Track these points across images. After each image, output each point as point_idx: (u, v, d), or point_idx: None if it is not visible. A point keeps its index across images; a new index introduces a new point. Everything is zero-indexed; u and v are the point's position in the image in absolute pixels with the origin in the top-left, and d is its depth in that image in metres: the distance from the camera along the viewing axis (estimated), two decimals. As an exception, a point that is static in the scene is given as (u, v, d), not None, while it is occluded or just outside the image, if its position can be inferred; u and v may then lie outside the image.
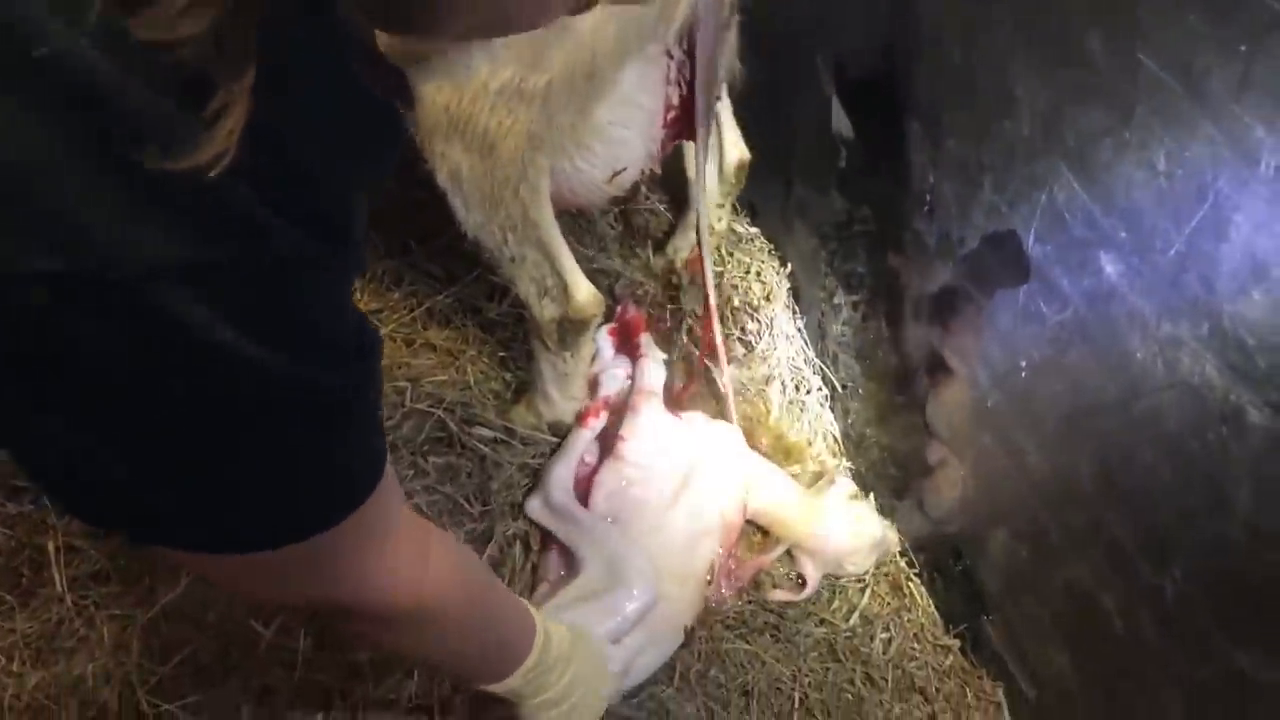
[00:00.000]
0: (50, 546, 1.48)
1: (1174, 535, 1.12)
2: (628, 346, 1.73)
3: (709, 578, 1.53)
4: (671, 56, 1.37)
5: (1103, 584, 1.25)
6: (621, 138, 1.40)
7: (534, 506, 1.56)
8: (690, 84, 1.40)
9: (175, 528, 0.70)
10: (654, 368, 1.66)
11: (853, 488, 1.68)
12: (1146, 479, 1.14)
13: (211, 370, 0.58)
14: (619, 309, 1.78)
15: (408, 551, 0.90)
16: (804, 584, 1.61)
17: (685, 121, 1.48)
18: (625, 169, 1.42)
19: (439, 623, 1.00)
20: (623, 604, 1.38)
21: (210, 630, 1.46)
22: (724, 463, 1.59)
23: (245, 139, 0.49)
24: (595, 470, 1.58)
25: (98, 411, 0.60)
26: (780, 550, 1.61)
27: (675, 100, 1.45)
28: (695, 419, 1.65)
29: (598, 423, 1.64)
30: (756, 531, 1.65)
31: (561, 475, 1.57)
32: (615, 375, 1.69)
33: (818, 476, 1.69)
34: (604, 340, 1.73)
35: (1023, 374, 1.29)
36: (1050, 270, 1.21)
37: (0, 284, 0.50)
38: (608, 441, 1.61)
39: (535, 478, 1.62)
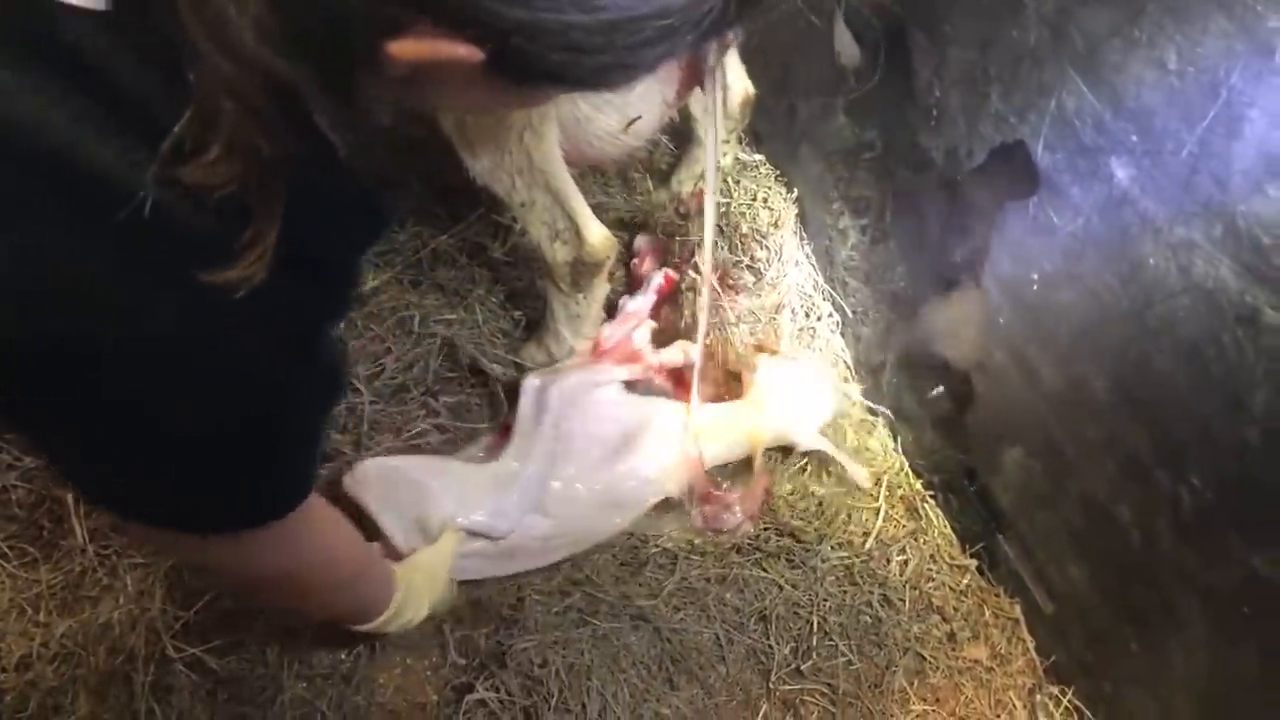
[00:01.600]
0: (69, 499, 1.49)
1: (1191, 442, 1.11)
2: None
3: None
4: None
5: (1118, 496, 1.24)
6: None
7: (532, 384, 1.56)
8: None
9: (181, 511, 0.82)
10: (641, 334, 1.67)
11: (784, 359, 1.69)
12: (1162, 388, 1.13)
13: (221, 393, 0.72)
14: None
15: (325, 530, 1.03)
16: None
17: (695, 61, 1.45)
18: (640, 116, 1.39)
19: (344, 586, 1.15)
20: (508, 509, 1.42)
21: (231, 574, 1.48)
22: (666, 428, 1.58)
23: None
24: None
25: (134, 420, 0.71)
26: (759, 461, 1.63)
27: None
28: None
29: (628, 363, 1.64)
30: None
31: (574, 383, 1.56)
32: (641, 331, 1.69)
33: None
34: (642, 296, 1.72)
35: (1034, 287, 1.28)
36: (1060, 179, 1.19)
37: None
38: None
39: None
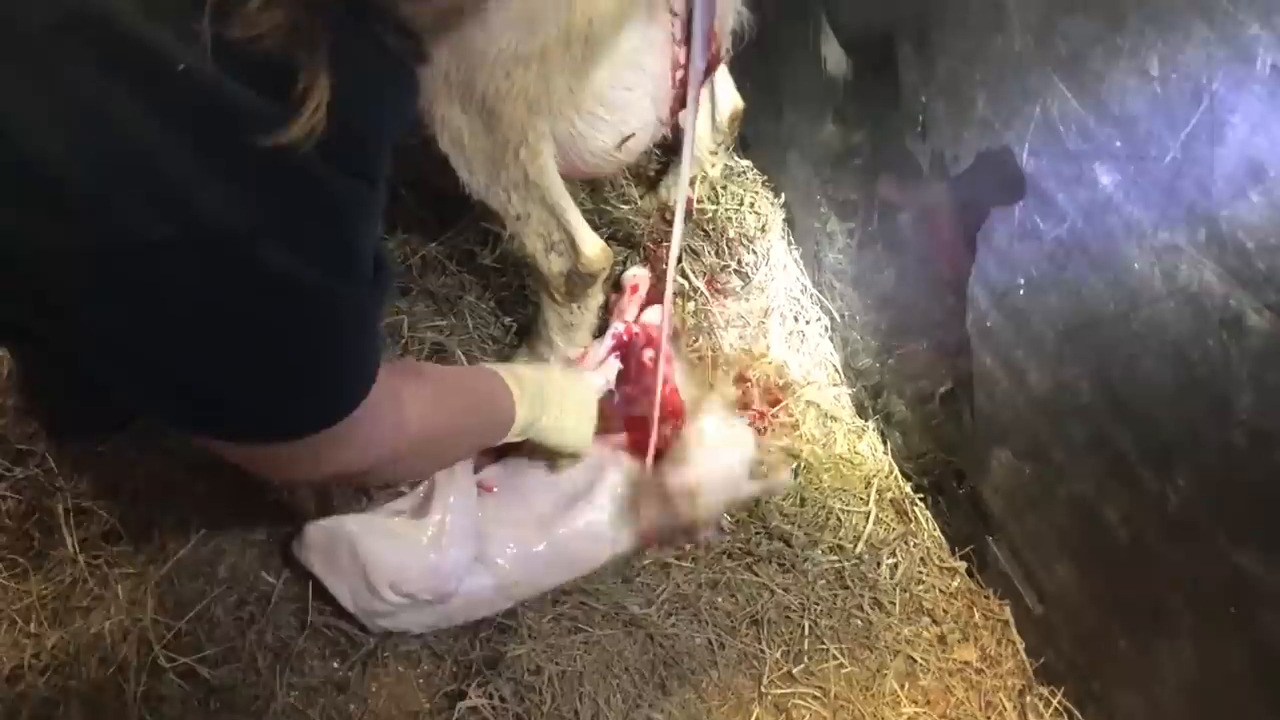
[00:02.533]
0: (59, 508, 1.49)
1: (1177, 443, 1.12)
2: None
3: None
4: (676, 15, 1.34)
5: (1106, 496, 1.25)
6: (626, 101, 1.37)
7: None
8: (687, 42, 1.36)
9: (248, 422, 0.86)
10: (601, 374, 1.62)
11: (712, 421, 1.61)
12: (1148, 390, 1.14)
13: (282, 295, 0.73)
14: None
15: (401, 398, 1.06)
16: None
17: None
18: (634, 134, 1.40)
19: (438, 442, 1.22)
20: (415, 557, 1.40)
21: (223, 584, 1.48)
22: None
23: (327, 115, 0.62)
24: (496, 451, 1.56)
25: (184, 335, 0.74)
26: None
27: (684, 60, 1.41)
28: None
29: None
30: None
31: None
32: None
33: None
34: (599, 344, 1.66)
35: (1021, 291, 1.29)
36: (1045, 184, 1.20)
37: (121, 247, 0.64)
38: None
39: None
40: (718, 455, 1.51)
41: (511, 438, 1.37)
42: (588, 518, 1.49)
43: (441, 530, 1.39)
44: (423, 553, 1.38)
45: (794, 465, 1.64)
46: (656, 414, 1.52)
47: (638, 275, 1.73)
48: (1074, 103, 1.11)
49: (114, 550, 1.49)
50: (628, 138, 1.39)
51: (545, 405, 1.39)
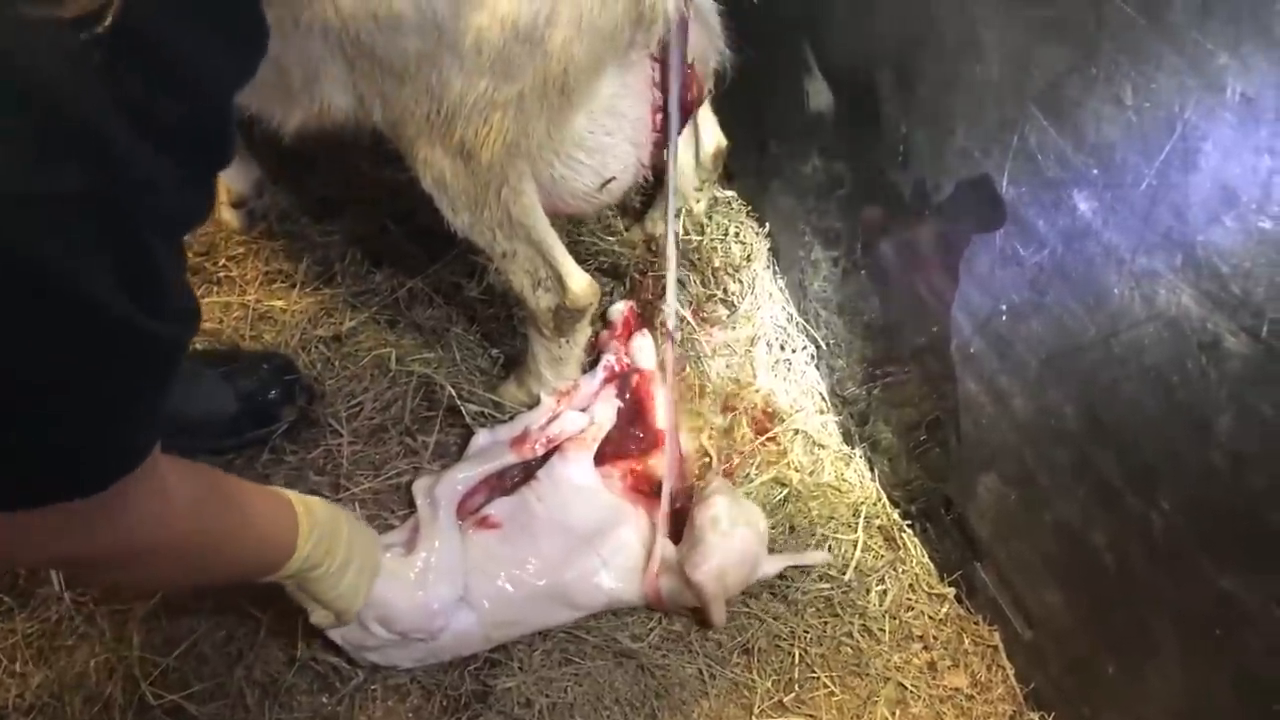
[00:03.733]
0: (45, 545, 1.48)
1: (1159, 467, 1.13)
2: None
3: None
4: (656, 60, 1.36)
5: (1091, 521, 1.26)
6: (606, 145, 1.38)
7: (421, 484, 1.54)
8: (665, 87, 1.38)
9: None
10: (604, 409, 1.62)
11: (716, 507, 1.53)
12: (1130, 414, 1.15)
13: (58, 309, 0.58)
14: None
15: (150, 490, 0.88)
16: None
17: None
18: (615, 177, 1.41)
19: (198, 553, 1.03)
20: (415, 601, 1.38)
21: (210, 619, 1.47)
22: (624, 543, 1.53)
23: (115, 39, 0.48)
24: (504, 487, 1.57)
25: None
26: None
27: (663, 103, 1.42)
28: (614, 484, 1.59)
29: (530, 454, 1.58)
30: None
31: (460, 477, 1.52)
32: (573, 417, 1.61)
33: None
34: (592, 377, 1.67)
35: (1003, 318, 1.30)
36: (1025, 212, 1.21)
37: None
38: (529, 471, 1.57)
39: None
40: (734, 539, 1.47)
41: (279, 577, 1.19)
42: (593, 567, 1.48)
43: (427, 568, 1.39)
44: (411, 589, 1.37)
45: (827, 545, 1.63)
46: (669, 485, 1.54)
47: (625, 310, 1.74)
48: (1051, 131, 1.13)
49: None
50: (609, 180, 1.41)
51: (329, 553, 1.22)
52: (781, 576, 1.59)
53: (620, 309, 1.73)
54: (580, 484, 1.54)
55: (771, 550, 1.57)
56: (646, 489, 1.59)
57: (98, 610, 1.46)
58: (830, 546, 1.63)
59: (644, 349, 1.68)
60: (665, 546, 1.51)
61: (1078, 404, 1.23)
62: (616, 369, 1.65)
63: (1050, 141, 1.14)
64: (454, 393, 1.66)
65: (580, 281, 1.46)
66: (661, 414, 1.64)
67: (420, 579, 1.38)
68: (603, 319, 1.74)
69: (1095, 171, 1.09)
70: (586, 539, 1.49)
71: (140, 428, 0.75)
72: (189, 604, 1.48)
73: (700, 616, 1.51)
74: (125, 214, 0.58)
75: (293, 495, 1.21)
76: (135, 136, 0.55)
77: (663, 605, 1.52)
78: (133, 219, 0.59)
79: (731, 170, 1.96)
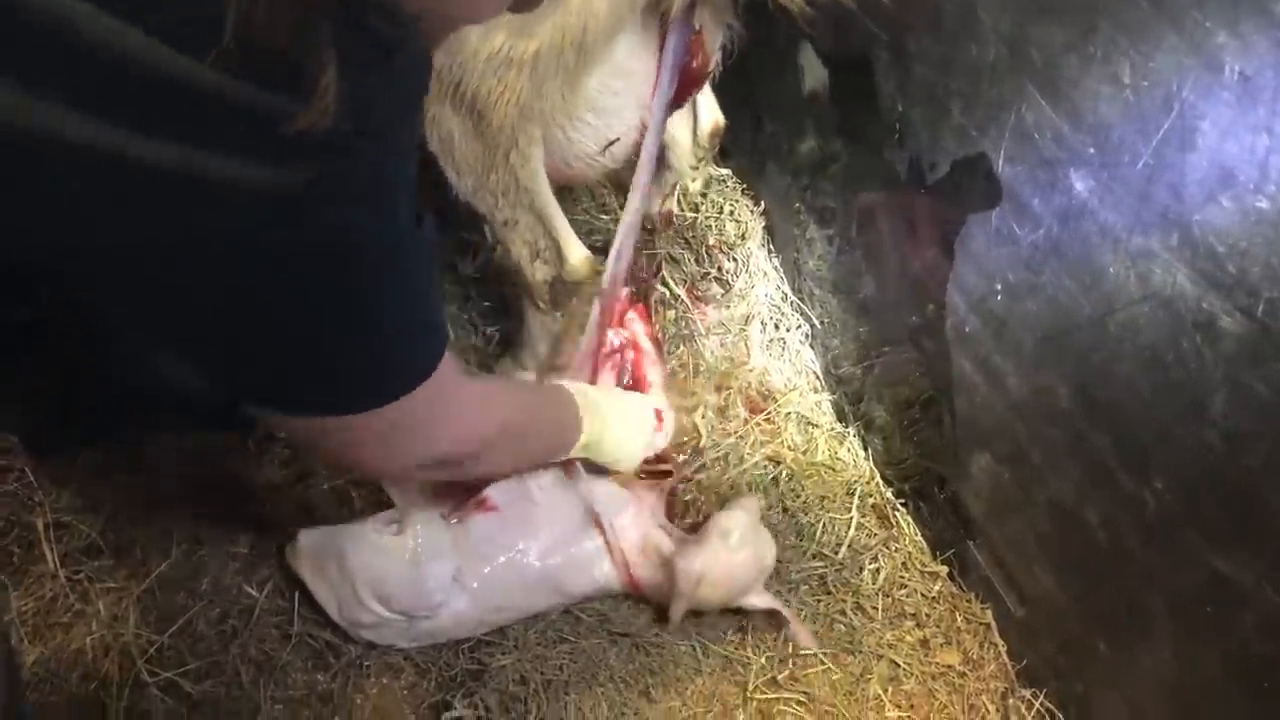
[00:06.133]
0: (39, 524, 1.48)
1: (1153, 446, 1.14)
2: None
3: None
4: (668, 21, 1.35)
5: (1085, 500, 1.27)
6: (614, 107, 1.38)
7: None
8: (672, 63, 1.37)
9: (342, 391, 0.88)
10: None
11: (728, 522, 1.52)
12: (1124, 393, 1.15)
13: (351, 250, 0.76)
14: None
15: (474, 390, 1.10)
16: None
17: (678, 90, 1.46)
18: (618, 139, 1.41)
19: (517, 436, 1.24)
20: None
21: (205, 598, 1.47)
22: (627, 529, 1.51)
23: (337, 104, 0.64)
24: None
25: (270, 304, 0.76)
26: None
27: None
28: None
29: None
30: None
31: None
32: None
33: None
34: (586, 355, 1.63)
35: (998, 297, 1.30)
36: (1021, 191, 1.21)
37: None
38: None
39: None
40: (734, 556, 1.46)
41: (575, 453, 1.39)
42: (586, 555, 1.47)
43: (417, 547, 1.39)
44: (406, 567, 1.38)
45: (820, 523, 1.62)
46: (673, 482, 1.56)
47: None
48: (1048, 110, 1.13)
49: (95, 565, 1.48)
50: (612, 142, 1.40)
51: (606, 423, 1.41)
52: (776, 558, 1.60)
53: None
54: (580, 471, 1.52)
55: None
56: (645, 475, 1.59)
57: (92, 588, 1.46)
58: (824, 525, 1.64)
59: (637, 326, 1.68)
60: (659, 536, 1.49)
61: (1072, 383, 1.23)
62: (613, 346, 1.64)
63: (1047, 120, 1.14)
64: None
65: (579, 254, 1.46)
66: (655, 396, 1.63)
67: (414, 558, 1.38)
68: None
69: (1092, 150, 1.09)
70: (582, 527, 1.48)
71: (439, 313, 0.96)
72: (184, 582, 1.48)
73: (671, 612, 1.49)
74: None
75: (565, 384, 1.42)
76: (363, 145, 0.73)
77: (639, 591, 1.51)
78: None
79: (727, 148, 1.95)
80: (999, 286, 1.29)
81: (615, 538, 1.47)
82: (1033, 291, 1.24)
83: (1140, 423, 1.14)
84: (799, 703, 1.48)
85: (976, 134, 1.26)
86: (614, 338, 1.66)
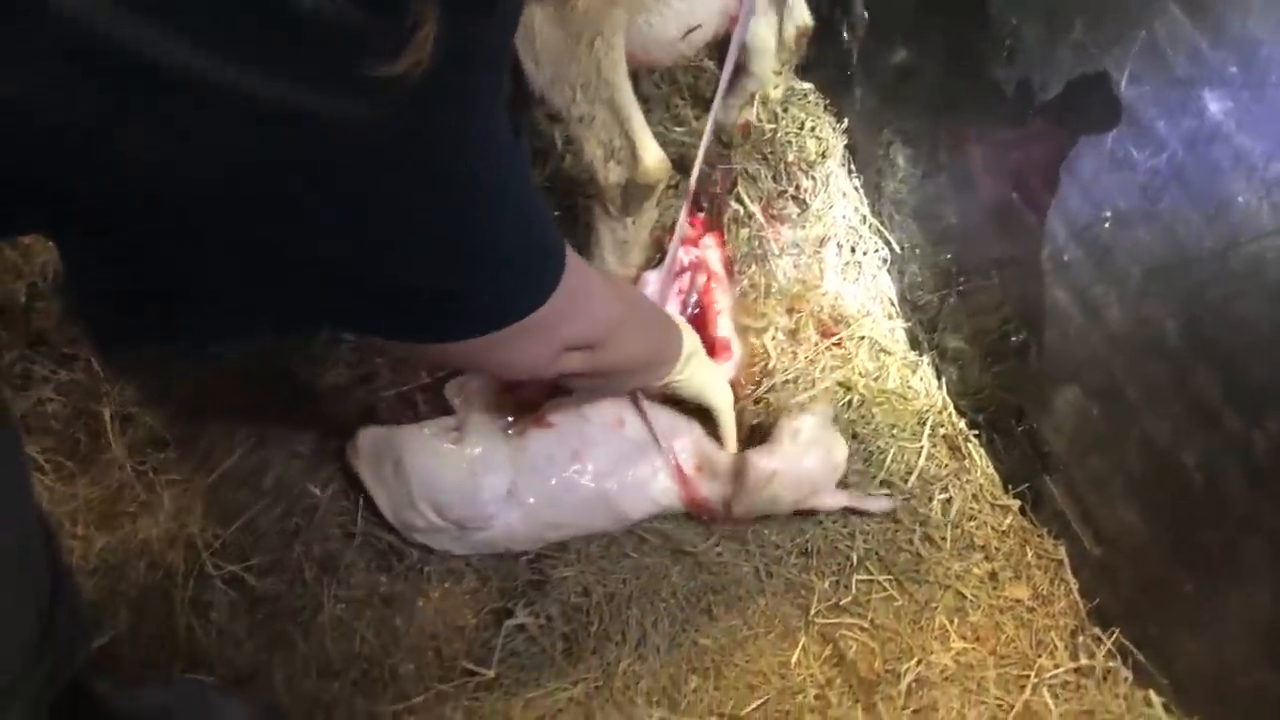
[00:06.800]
0: (106, 413, 1.47)
1: (1269, 387, 1.09)
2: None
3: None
4: None
5: (1182, 439, 1.23)
6: None
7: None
8: None
9: (490, 309, 0.87)
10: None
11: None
12: (1240, 331, 1.11)
13: (490, 164, 0.76)
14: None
15: (593, 272, 1.07)
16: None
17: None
18: (699, 26, 1.35)
19: (640, 322, 1.23)
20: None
21: (269, 495, 1.46)
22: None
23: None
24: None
25: (414, 228, 0.74)
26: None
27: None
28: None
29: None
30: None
31: None
32: None
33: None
34: (657, 273, 1.59)
35: (1106, 225, 1.25)
36: (1144, 112, 1.15)
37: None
38: None
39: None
40: (804, 456, 1.46)
41: (673, 376, 1.36)
42: (643, 477, 1.45)
43: (475, 458, 1.38)
44: (462, 476, 1.36)
45: (889, 494, 1.57)
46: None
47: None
48: (1186, 24, 1.06)
49: (160, 457, 1.47)
50: (693, 29, 1.36)
51: (699, 345, 1.39)
52: (844, 484, 1.57)
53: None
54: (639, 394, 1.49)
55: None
56: None
57: (158, 480, 1.45)
58: (894, 454, 1.61)
59: (711, 251, 1.64)
60: (714, 450, 1.47)
61: (1181, 318, 1.18)
62: (685, 264, 1.61)
63: (1183, 36, 1.07)
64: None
65: (654, 155, 1.41)
66: (724, 324, 1.60)
67: (470, 468, 1.37)
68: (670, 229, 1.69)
69: (1233, 69, 1.03)
70: (640, 448, 1.46)
71: (550, 219, 0.92)
72: (248, 479, 1.47)
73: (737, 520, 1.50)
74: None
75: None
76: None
77: (700, 507, 1.49)
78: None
79: (810, 61, 1.88)
80: (1108, 214, 1.24)
81: (674, 458, 1.45)
82: (1146, 220, 1.19)
83: (1256, 363, 1.10)
84: (861, 628, 1.46)
85: (1098, 52, 1.19)
86: (683, 256, 1.63)
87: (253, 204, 0.66)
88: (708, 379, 1.43)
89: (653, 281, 1.57)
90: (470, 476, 1.37)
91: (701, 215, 1.68)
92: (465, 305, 0.85)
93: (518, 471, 1.40)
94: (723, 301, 1.62)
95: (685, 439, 1.47)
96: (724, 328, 1.60)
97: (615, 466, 1.43)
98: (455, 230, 0.77)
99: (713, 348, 1.58)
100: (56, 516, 1.40)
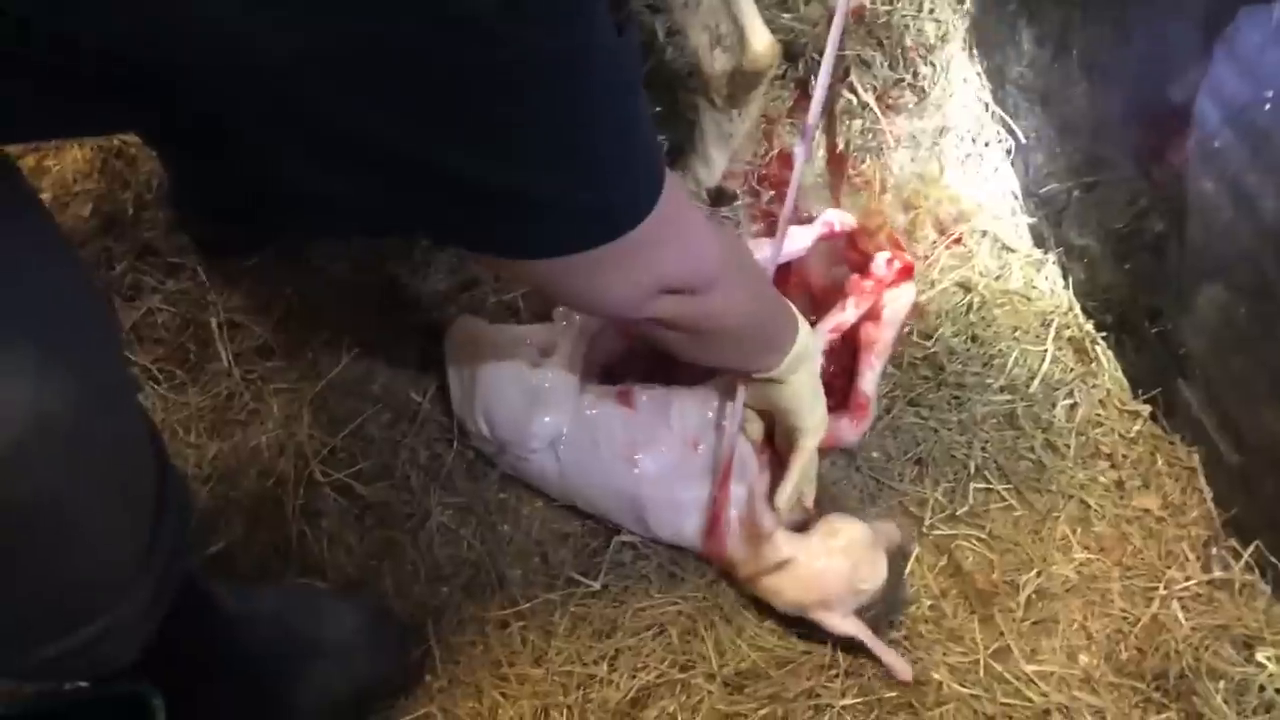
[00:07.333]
0: (213, 323, 1.48)
1: None
2: None
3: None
4: None
5: (1343, 340, 1.13)
6: None
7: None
8: None
9: (582, 222, 0.79)
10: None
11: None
12: None
13: (560, 61, 0.67)
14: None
15: (699, 212, 1.00)
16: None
17: None
18: None
19: (749, 272, 1.11)
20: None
21: (376, 402, 1.46)
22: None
23: None
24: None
25: (499, 134, 0.68)
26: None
27: None
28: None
29: None
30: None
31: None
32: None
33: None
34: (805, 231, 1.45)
35: (1266, 107, 1.13)
36: (1317, -23, 1.03)
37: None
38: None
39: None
40: (828, 560, 1.27)
41: (775, 370, 1.18)
42: (681, 501, 1.33)
43: (542, 389, 1.33)
44: (522, 401, 1.33)
45: (1012, 355, 1.46)
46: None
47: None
48: None
49: (268, 366, 1.48)
50: None
51: (811, 355, 1.22)
52: (960, 386, 1.51)
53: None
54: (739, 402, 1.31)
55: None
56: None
57: (266, 388, 1.46)
58: (1015, 357, 1.53)
59: (902, 299, 1.44)
60: (765, 511, 1.30)
61: (1350, 208, 1.07)
62: (835, 228, 1.46)
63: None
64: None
65: (763, 39, 1.32)
66: (871, 379, 1.43)
67: (533, 396, 1.33)
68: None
69: None
70: (699, 474, 1.33)
71: (651, 129, 0.85)
72: (355, 386, 1.47)
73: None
74: None
75: None
76: None
77: (715, 556, 1.35)
78: None
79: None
80: (1269, 94, 1.12)
81: (726, 499, 1.31)
82: (1315, 99, 1.07)
83: None
84: (979, 539, 1.41)
85: (1263, -93, 1.07)
86: (829, 216, 1.47)
87: (342, 82, 0.61)
88: (812, 400, 1.25)
89: (766, 248, 1.47)
90: (528, 405, 1.33)
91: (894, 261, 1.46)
92: (551, 216, 0.77)
93: (576, 427, 1.34)
94: (883, 354, 1.43)
95: (743, 487, 1.32)
96: (870, 383, 1.42)
97: (663, 477, 1.33)
98: (545, 126, 0.70)
99: (846, 400, 1.41)
100: (170, 425, 1.42)
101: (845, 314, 1.40)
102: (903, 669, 1.26)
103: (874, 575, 1.28)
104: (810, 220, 1.46)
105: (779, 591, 1.29)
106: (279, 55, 0.57)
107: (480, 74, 0.63)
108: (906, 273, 1.43)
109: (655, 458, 1.33)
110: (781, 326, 1.18)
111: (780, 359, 1.17)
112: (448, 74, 0.62)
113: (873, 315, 1.41)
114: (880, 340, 1.41)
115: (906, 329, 1.50)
